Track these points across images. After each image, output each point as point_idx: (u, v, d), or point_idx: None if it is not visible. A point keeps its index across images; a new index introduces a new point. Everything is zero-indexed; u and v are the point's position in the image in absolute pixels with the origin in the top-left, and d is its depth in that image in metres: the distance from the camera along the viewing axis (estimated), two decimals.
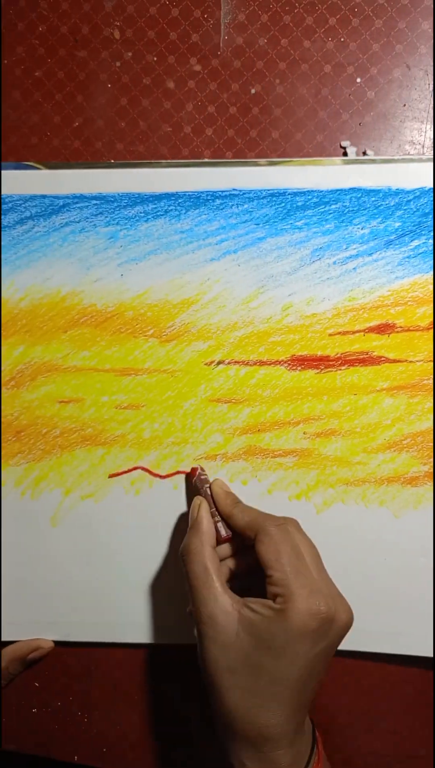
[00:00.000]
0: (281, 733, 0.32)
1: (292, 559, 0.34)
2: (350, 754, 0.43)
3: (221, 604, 0.34)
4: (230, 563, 0.38)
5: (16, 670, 0.43)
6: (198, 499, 0.39)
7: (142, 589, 0.43)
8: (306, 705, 0.33)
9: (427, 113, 0.43)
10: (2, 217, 0.43)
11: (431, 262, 0.42)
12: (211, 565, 0.35)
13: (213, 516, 0.38)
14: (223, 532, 0.38)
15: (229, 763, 0.33)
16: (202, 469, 0.42)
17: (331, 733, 0.43)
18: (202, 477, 0.41)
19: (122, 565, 0.43)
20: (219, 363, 0.43)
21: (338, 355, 0.42)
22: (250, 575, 0.37)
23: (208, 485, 0.40)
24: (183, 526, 0.42)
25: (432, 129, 0.43)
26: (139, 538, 0.43)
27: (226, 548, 0.38)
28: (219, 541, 0.38)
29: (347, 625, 0.34)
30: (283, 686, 0.32)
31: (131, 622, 0.43)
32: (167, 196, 0.43)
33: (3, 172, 0.43)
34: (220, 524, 0.38)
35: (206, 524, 0.37)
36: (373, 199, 0.42)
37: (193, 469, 0.42)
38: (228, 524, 0.38)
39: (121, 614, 0.43)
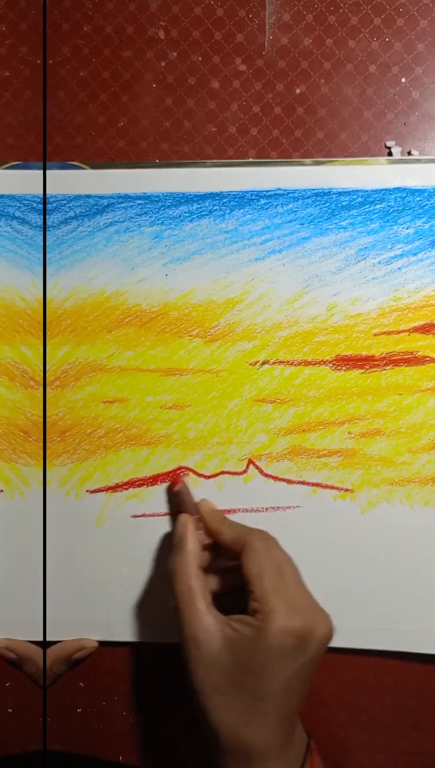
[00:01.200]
0: (268, 747, 0.33)
1: (274, 575, 0.35)
2: (394, 754, 0.43)
3: (204, 624, 0.34)
4: (217, 579, 0.39)
5: (60, 669, 0.43)
6: (183, 517, 0.40)
7: None
8: (291, 717, 0.34)
9: None
10: (47, 216, 0.43)
11: None
12: (196, 585, 0.36)
13: (196, 528, 0.39)
14: (206, 540, 0.39)
15: None
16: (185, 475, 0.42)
17: (374, 733, 0.43)
18: (182, 488, 0.41)
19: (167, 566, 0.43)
20: (264, 363, 0.43)
21: (383, 355, 0.42)
22: (236, 591, 0.37)
23: (193, 502, 0.41)
24: None
25: None
26: None
27: (210, 563, 0.39)
28: (203, 548, 0.39)
29: (326, 638, 0.35)
30: (266, 702, 0.33)
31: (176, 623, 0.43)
32: (212, 195, 0.43)
33: (48, 171, 0.43)
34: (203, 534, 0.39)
35: (192, 543, 0.38)
36: (418, 198, 0.42)
37: (177, 476, 0.42)
38: (215, 540, 0.39)
39: (166, 614, 0.43)
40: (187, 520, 0.39)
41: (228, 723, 0.33)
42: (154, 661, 0.44)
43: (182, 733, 0.44)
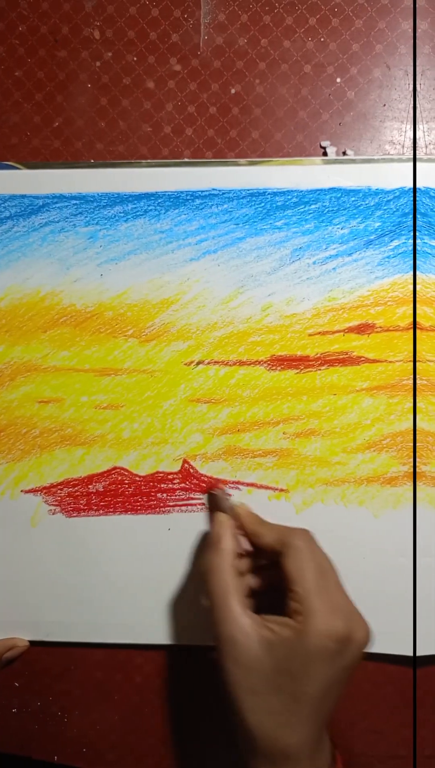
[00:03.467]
0: (301, 750, 0.32)
1: (316, 576, 0.34)
2: None
3: (241, 624, 0.33)
4: (249, 580, 0.38)
5: None
6: (221, 515, 0.39)
7: (122, 589, 0.43)
8: (324, 722, 0.34)
9: (407, 113, 0.43)
10: None
11: (410, 262, 0.42)
12: (232, 585, 0.35)
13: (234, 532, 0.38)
14: (246, 546, 0.38)
15: None
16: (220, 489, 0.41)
17: None
18: (219, 492, 0.40)
19: (102, 565, 0.43)
20: (199, 363, 0.43)
21: (318, 355, 0.42)
22: (269, 592, 0.37)
23: (230, 499, 0.40)
24: (163, 525, 0.42)
25: (412, 129, 0.43)
26: (118, 538, 0.43)
27: (245, 565, 0.38)
28: (240, 554, 0.37)
29: (364, 644, 0.34)
30: (303, 704, 0.32)
31: (111, 623, 0.43)
32: (147, 196, 0.43)
33: None
34: (241, 538, 0.38)
35: (228, 541, 0.37)
36: (353, 199, 0.42)
37: (213, 483, 0.42)
38: (251, 542, 0.38)
39: (101, 614, 0.43)
40: (224, 519, 0.38)
41: (264, 725, 0.32)
42: (90, 660, 0.44)
43: (118, 733, 0.44)
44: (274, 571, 0.36)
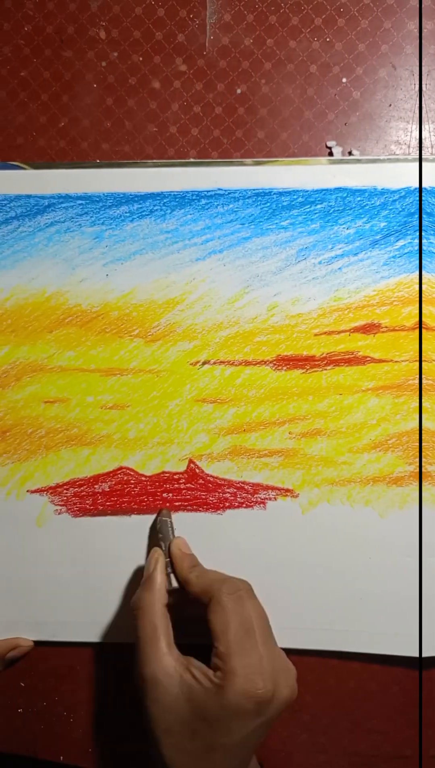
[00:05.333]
0: None
1: (239, 634, 0.34)
2: (335, 754, 0.43)
3: (165, 665, 0.34)
4: (180, 612, 0.38)
5: None
6: (155, 552, 0.39)
7: (128, 589, 0.43)
8: (243, 766, 0.34)
9: (413, 113, 0.43)
10: None
11: (416, 262, 0.42)
12: (160, 624, 0.35)
13: (166, 567, 0.39)
14: (174, 583, 0.38)
15: None
16: (168, 512, 0.42)
17: (315, 733, 0.43)
18: (165, 519, 0.41)
19: (108, 565, 0.43)
20: (204, 363, 0.43)
21: (324, 355, 0.42)
22: (200, 623, 0.36)
23: (169, 539, 0.40)
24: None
25: (418, 129, 0.43)
26: (123, 538, 0.43)
27: (179, 597, 0.38)
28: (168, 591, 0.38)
29: (287, 701, 0.34)
30: (218, 752, 0.33)
31: (117, 623, 0.43)
32: (152, 195, 0.43)
33: None
34: (172, 576, 0.38)
35: (160, 580, 0.37)
36: (359, 198, 0.42)
37: (162, 506, 0.42)
38: (182, 586, 0.38)
39: (107, 614, 0.43)
40: (158, 557, 0.39)
41: (179, 763, 0.33)
42: (96, 661, 0.44)
43: (123, 733, 0.44)
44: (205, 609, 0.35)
